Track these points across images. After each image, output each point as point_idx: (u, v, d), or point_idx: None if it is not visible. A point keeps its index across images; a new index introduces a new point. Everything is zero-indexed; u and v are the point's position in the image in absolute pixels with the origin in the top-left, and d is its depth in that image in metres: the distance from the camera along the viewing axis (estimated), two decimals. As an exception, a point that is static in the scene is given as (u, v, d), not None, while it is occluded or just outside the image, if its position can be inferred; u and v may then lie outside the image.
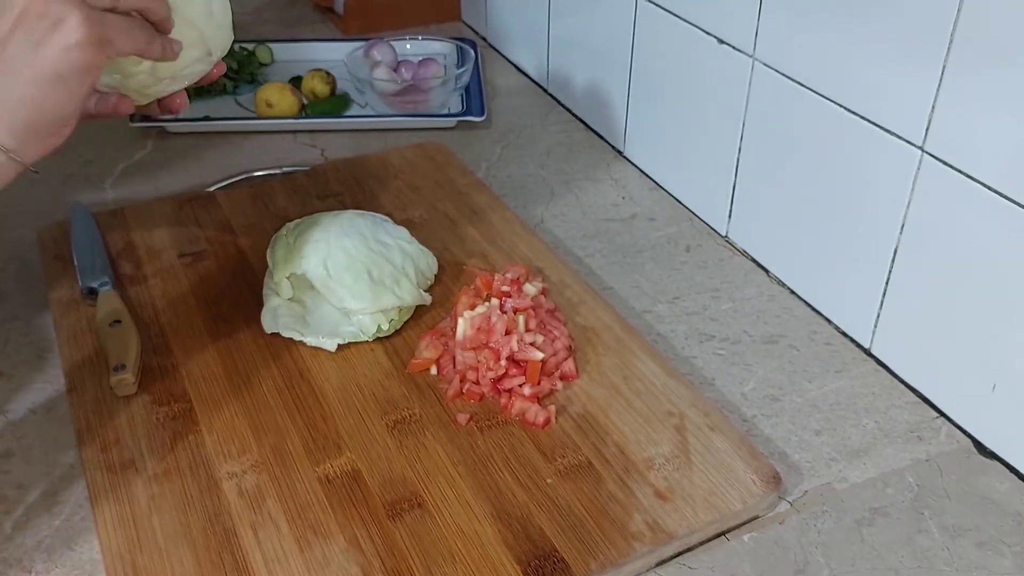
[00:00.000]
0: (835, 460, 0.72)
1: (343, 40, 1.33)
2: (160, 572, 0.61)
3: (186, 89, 0.71)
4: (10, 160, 0.57)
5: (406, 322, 0.81)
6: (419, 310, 0.83)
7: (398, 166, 1.05)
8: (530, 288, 0.79)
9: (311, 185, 1.01)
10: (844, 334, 0.84)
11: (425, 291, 0.83)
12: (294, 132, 1.15)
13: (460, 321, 0.76)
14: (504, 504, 0.65)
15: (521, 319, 0.76)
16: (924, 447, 0.74)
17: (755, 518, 0.67)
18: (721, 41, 0.90)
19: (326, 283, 0.79)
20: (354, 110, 1.20)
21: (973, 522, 0.67)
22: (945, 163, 0.71)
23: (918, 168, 0.73)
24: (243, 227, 0.94)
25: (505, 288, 0.78)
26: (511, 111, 1.21)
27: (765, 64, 0.85)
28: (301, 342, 0.78)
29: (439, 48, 1.29)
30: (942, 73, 0.69)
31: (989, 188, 0.68)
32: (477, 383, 0.74)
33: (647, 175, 1.07)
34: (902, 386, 0.79)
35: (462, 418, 0.72)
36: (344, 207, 0.95)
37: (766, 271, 0.92)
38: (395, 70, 1.20)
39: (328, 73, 1.20)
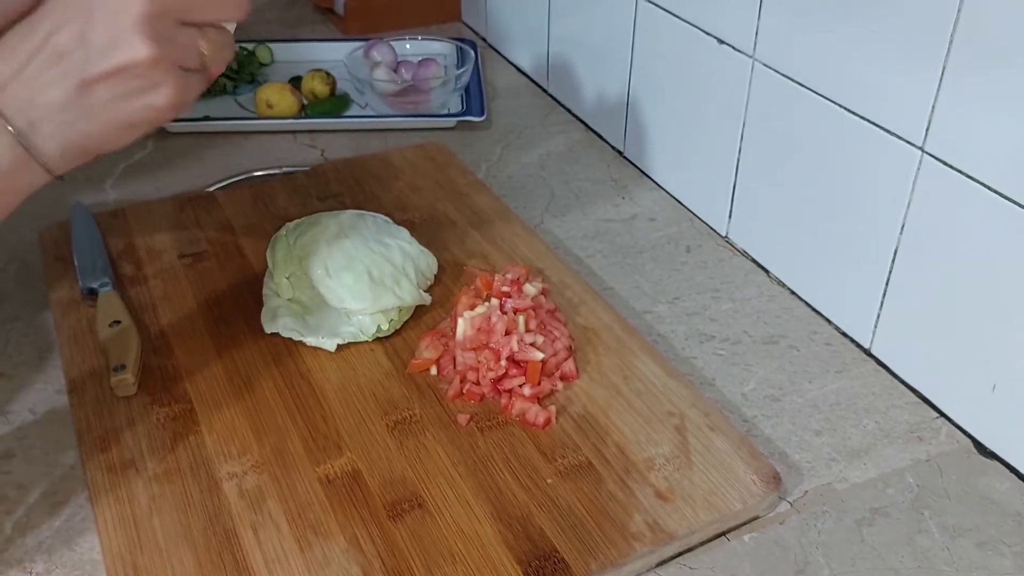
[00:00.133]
0: (835, 460, 0.72)
1: (343, 40, 1.33)
2: (160, 572, 0.61)
3: None
4: (47, 176, 0.58)
5: (406, 322, 0.81)
6: (419, 310, 0.83)
7: (398, 166, 1.05)
8: (530, 288, 0.79)
9: (311, 185, 1.01)
10: (844, 334, 0.84)
11: (425, 291, 0.83)
12: (294, 132, 1.15)
13: (460, 321, 0.76)
14: (504, 504, 0.65)
15: (521, 319, 0.76)
16: (924, 447, 0.74)
17: (755, 518, 0.67)
18: (721, 41, 0.90)
19: (326, 283, 0.79)
20: (354, 110, 1.20)
21: (973, 522, 0.67)
22: (945, 163, 0.71)
23: (918, 168, 0.73)
24: (243, 227, 0.94)
25: (505, 288, 0.78)
26: (511, 111, 1.21)
27: (765, 64, 0.85)
28: (301, 342, 0.78)
29: (439, 48, 1.29)
30: (942, 73, 0.69)
31: (989, 188, 0.68)
32: (477, 383, 0.74)
33: (647, 175, 1.07)
34: (902, 386, 0.79)
35: (462, 418, 0.72)
36: (344, 207, 0.95)
37: (766, 271, 0.92)
38: (395, 70, 1.20)
39: (328, 73, 1.20)
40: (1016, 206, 0.66)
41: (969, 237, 0.70)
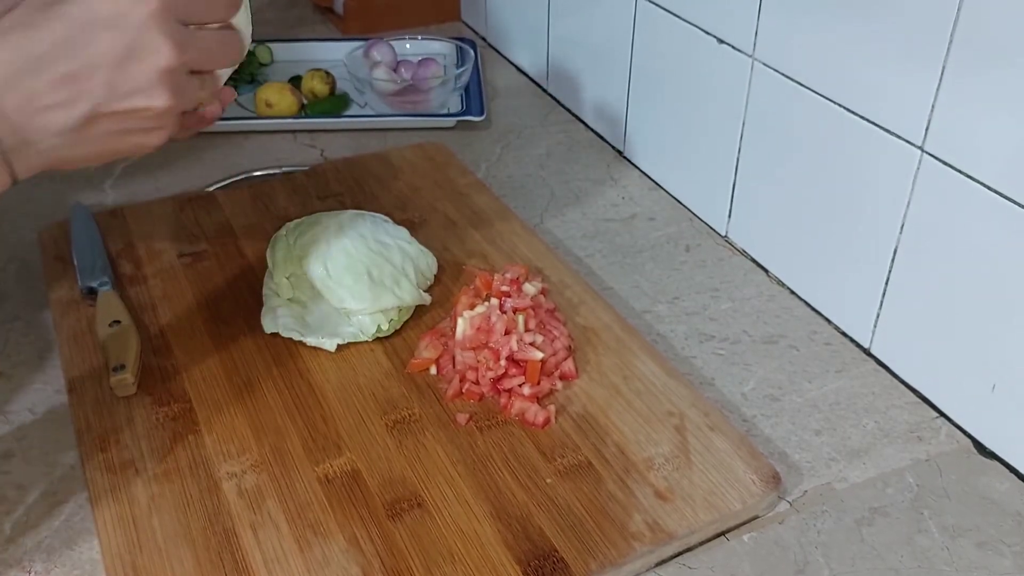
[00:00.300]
0: (835, 460, 0.72)
1: (343, 40, 1.33)
2: (160, 572, 0.61)
3: None
4: (10, 182, 0.57)
5: (406, 322, 0.81)
6: (419, 310, 0.83)
7: (398, 166, 1.05)
8: (530, 288, 0.79)
9: (311, 185, 1.01)
10: (844, 334, 0.84)
11: (425, 291, 0.83)
12: (294, 132, 1.15)
13: (460, 321, 0.76)
14: (504, 504, 0.65)
15: (521, 319, 0.76)
16: (924, 447, 0.74)
17: (755, 518, 0.67)
18: (721, 41, 0.90)
19: (326, 283, 0.79)
20: (354, 110, 1.20)
21: (973, 522, 0.67)
22: (945, 163, 0.71)
23: (918, 168, 0.73)
24: (243, 227, 0.94)
25: (505, 288, 0.78)
26: (511, 111, 1.21)
27: (765, 64, 0.85)
28: (301, 342, 0.78)
29: (439, 48, 1.29)
30: (942, 73, 0.69)
31: (989, 188, 0.68)
32: (477, 383, 0.74)
33: (647, 175, 1.07)
34: (902, 386, 0.79)
35: (462, 418, 0.72)
36: (344, 207, 0.95)
37: (766, 271, 0.92)
38: (395, 70, 1.20)
39: (328, 73, 1.20)
40: (1016, 206, 0.66)
41: (969, 237, 0.70)
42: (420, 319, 0.82)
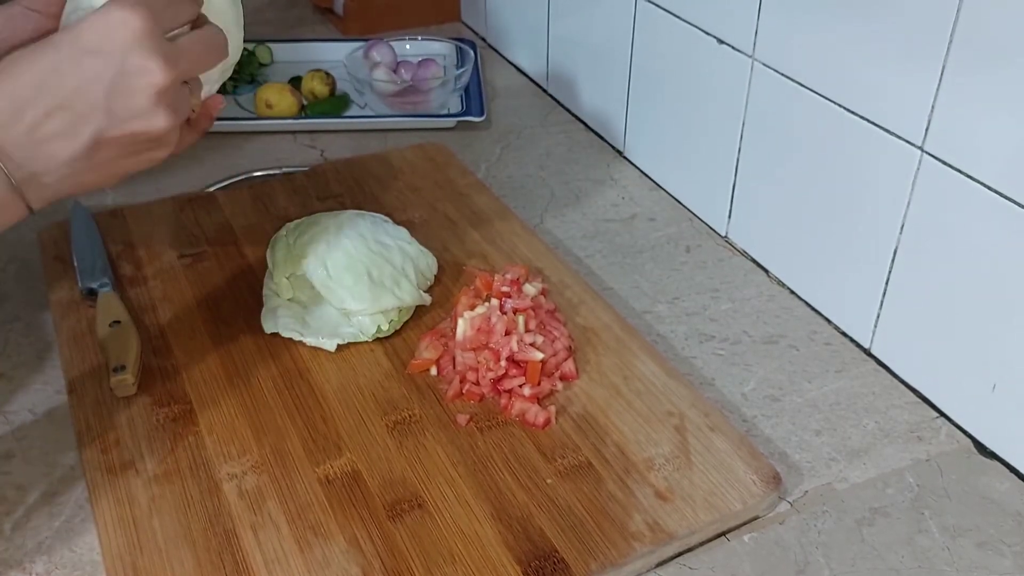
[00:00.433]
0: (835, 460, 0.72)
1: (343, 40, 1.33)
2: (160, 573, 0.61)
3: None
4: (26, 213, 0.58)
5: (406, 323, 0.81)
6: (419, 311, 0.83)
7: (398, 167, 1.05)
8: (530, 288, 0.79)
9: (311, 186, 1.01)
10: (844, 334, 0.84)
11: (425, 292, 0.83)
12: (294, 132, 1.15)
13: (460, 322, 0.76)
14: (504, 504, 0.65)
15: (521, 320, 0.76)
16: (924, 447, 0.74)
17: (755, 518, 0.67)
18: (721, 41, 0.90)
19: (326, 284, 0.79)
20: (354, 110, 1.20)
21: (973, 522, 0.67)
22: (945, 163, 0.71)
23: (918, 168, 0.73)
24: (243, 228, 0.94)
25: (505, 289, 0.78)
26: (511, 112, 1.21)
27: (765, 64, 0.85)
28: (301, 342, 0.78)
29: (439, 49, 1.29)
30: (942, 73, 0.69)
31: (989, 188, 0.68)
32: (477, 384, 0.74)
33: (647, 175, 1.07)
34: (902, 386, 0.79)
35: (462, 419, 0.72)
36: (344, 207, 0.95)
37: (766, 271, 0.92)
38: (395, 71, 1.20)
39: (328, 73, 1.20)
40: (1016, 206, 0.66)
41: (969, 237, 0.70)
42: (420, 319, 0.82)
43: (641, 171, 1.08)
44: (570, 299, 0.85)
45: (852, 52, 0.76)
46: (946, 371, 0.75)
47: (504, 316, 0.75)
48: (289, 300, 0.82)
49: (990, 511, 0.68)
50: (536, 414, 0.72)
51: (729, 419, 0.74)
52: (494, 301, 0.77)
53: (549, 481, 0.67)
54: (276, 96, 1.15)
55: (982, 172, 0.68)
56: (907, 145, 0.73)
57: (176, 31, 0.59)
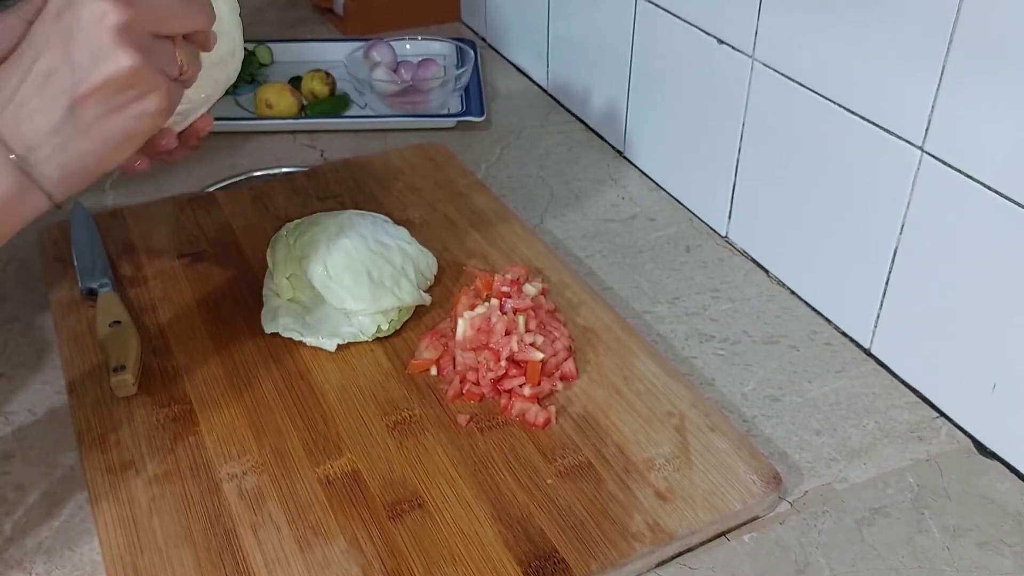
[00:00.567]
0: (835, 460, 0.72)
1: (343, 40, 1.33)
2: (160, 573, 0.61)
3: None
4: (48, 202, 0.58)
5: (406, 322, 0.81)
6: (419, 311, 0.83)
7: (398, 167, 1.05)
8: (530, 288, 0.79)
9: (311, 186, 1.01)
10: (844, 334, 0.84)
11: (425, 292, 0.83)
12: (294, 132, 1.15)
13: (460, 322, 0.76)
14: (504, 505, 0.65)
15: (521, 320, 0.76)
16: (924, 447, 0.74)
17: (755, 518, 0.67)
18: (721, 41, 0.90)
19: (326, 284, 0.79)
20: (354, 111, 1.20)
21: (973, 522, 0.67)
22: (945, 163, 0.71)
23: (918, 168, 0.73)
24: (243, 228, 0.94)
25: (505, 289, 0.78)
26: (511, 112, 1.21)
27: (765, 64, 0.85)
28: (301, 342, 0.78)
29: (439, 49, 1.29)
30: (942, 73, 0.69)
31: (989, 188, 0.68)
32: (477, 384, 0.74)
33: (647, 175, 1.07)
34: (902, 386, 0.79)
35: (462, 419, 0.72)
36: (344, 208, 0.95)
37: (766, 271, 0.92)
38: (395, 71, 1.20)
39: (328, 74, 1.20)
40: (1016, 206, 0.66)
41: (969, 237, 0.70)
42: (420, 319, 0.82)
43: (641, 171, 1.08)
44: (570, 299, 0.85)
45: (852, 52, 0.76)
46: (946, 371, 0.75)
47: (504, 316, 0.75)
48: (289, 300, 0.82)
49: (990, 511, 0.68)
50: (536, 414, 0.72)
51: (729, 419, 0.74)
52: (494, 301, 0.77)
53: (549, 481, 0.67)
54: (276, 96, 1.15)
55: (982, 172, 0.68)
56: (907, 145, 0.73)
57: None
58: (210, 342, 0.79)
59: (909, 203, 0.74)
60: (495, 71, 1.31)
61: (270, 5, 1.50)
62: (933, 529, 0.67)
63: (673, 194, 1.03)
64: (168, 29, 0.59)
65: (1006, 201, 0.67)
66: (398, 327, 0.81)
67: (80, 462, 0.70)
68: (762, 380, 0.79)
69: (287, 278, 0.82)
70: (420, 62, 1.20)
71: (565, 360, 0.76)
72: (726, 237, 0.97)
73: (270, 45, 1.29)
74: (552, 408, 0.73)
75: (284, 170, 1.05)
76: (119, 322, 0.78)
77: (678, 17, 0.95)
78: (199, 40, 0.62)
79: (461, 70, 1.20)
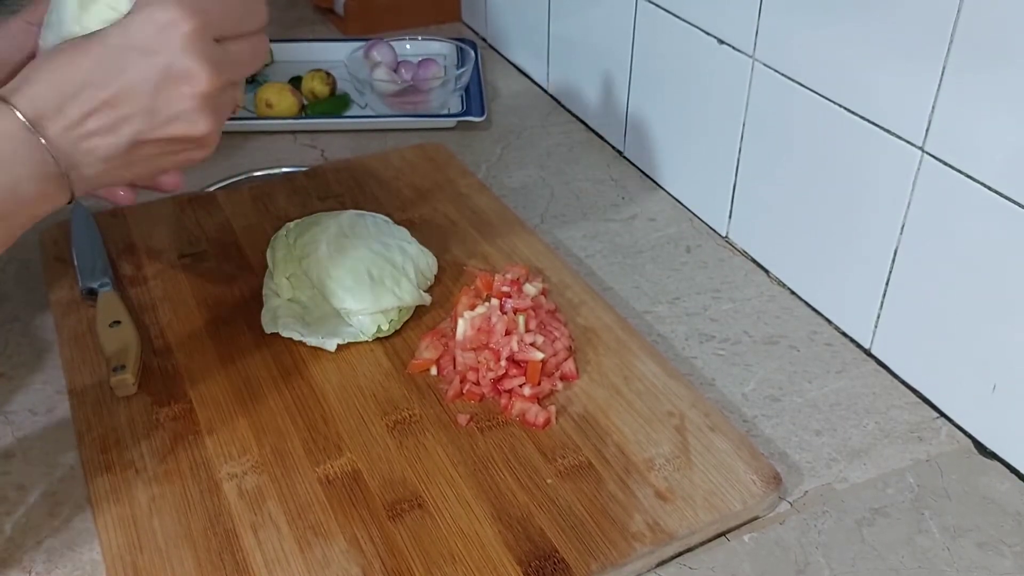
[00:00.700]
0: (835, 460, 0.72)
1: (343, 40, 1.33)
2: (161, 573, 0.61)
3: None
4: (67, 203, 0.59)
5: (406, 322, 0.81)
6: (419, 310, 0.83)
7: (398, 167, 1.05)
8: (530, 288, 0.79)
9: (311, 186, 1.01)
10: (844, 334, 0.84)
11: (425, 291, 0.83)
12: (294, 132, 1.15)
13: (460, 322, 0.76)
14: (504, 505, 0.65)
15: (521, 320, 0.76)
16: (924, 447, 0.74)
17: (755, 518, 0.67)
18: (721, 41, 0.90)
19: (326, 284, 0.79)
20: (354, 110, 1.20)
21: (974, 522, 0.67)
22: (945, 163, 0.71)
23: (918, 168, 0.73)
24: (243, 228, 0.94)
25: (505, 289, 0.78)
26: (511, 112, 1.21)
27: (765, 64, 0.85)
28: (301, 342, 0.78)
29: (439, 49, 1.29)
30: (942, 73, 0.69)
31: (989, 188, 0.68)
32: (477, 384, 0.74)
33: (647, 175, 1.07)
34: (902, 386, 0.79)
35: (462, 419, 0.72)
36: (344, 208, 0.95)
37: (766, 271, 0.92)
38: (395, 71, 1.20)
39: (328, 73, 1.20)
40: (1016, 206, 0.66)
41: (969, 237, 0.70)
42: (420, 319, 0.82)
43: (641, 171, 1.08)
44: (570, 299, 0.85)
45: (852, 52, 0.76)
46: (946, 371, 0.75)
47: (504, 316, 0.75)
48: (289, 300, 0.82)
49: (990, 511, 0.68)
50: (536, 414, 0.72)
51: (729, 419, 0.74)
52: (494, 301, 0.77)
53: (549, 481, 0.67)
54: (276, 96, 1.15)
55: (982, 172, 0.68)
56: (907, 145, 0.73)
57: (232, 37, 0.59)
58: (210, 342, 0.79)
59: (909, 203, 0.74)
60: (495, 71, 1.31)
61: (270, 5, 1.50)
62: (933, 529, 0.67)
63: (673, 194, 1.03)
64: (238, 78, 0.61)
65: (1006, 201, 0.67)
66: (398, 327, 0.81)
67: (80, 462, 0.70)
68: (762, 380, 0.79)
69: (287, 278, 0.82)
70: (420, 62, 1.20)
71: (565, 360, 0.76)
72: (726, 237, 0.97)
73: (270, 45, 1.29)
74: (552, 408, 0.73)
75: (284, 170, 1.05)
76: (119, 322, 0.78)
77: (678, 17, 0.95)
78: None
79: (461, 70, 1.20)
